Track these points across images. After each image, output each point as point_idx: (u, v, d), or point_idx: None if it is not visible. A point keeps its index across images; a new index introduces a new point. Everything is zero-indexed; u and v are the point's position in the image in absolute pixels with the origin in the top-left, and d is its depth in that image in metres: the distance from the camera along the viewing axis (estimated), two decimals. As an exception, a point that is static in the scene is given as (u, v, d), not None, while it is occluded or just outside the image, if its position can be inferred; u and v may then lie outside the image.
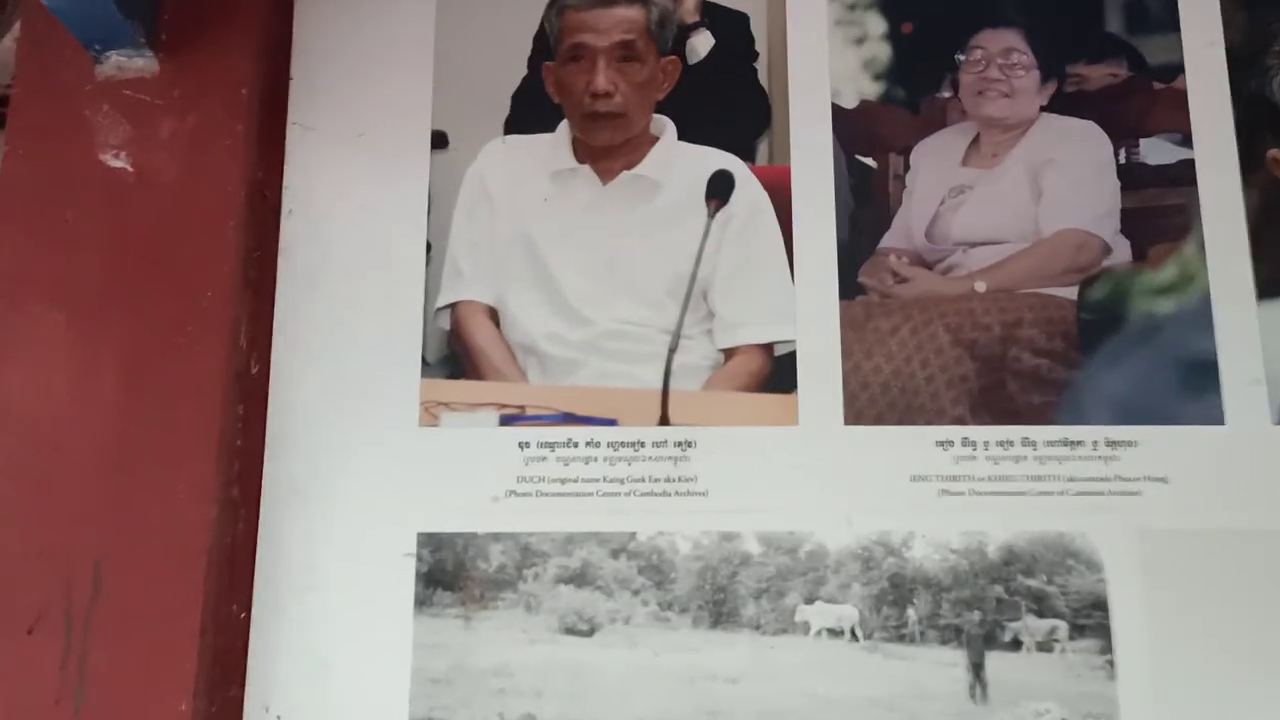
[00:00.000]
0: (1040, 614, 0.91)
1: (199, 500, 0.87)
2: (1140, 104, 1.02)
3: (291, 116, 0.99)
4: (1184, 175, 0.99)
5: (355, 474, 0.91)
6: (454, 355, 0.97)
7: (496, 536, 0.91)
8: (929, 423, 0.93)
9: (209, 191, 0.95)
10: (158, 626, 0.84)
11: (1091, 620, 0.90)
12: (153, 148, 0.94)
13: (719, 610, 0.91)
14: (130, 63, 0.97)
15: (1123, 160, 1.00)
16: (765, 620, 0.91)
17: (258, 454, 0.92)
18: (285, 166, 0.98)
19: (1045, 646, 0.90)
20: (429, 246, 0.98)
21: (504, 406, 0.94)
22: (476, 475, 0.91)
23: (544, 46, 1.02)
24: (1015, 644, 0.90)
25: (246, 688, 0.87)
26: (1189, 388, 0.95)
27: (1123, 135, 1.00)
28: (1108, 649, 0.89)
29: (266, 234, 0.97)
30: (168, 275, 0.92)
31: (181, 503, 0.87)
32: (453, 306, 0.97)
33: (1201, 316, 0.96)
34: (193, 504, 0.87)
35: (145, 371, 0.89)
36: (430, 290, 0.96)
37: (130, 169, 0.96)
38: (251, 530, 0.90)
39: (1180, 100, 1.00)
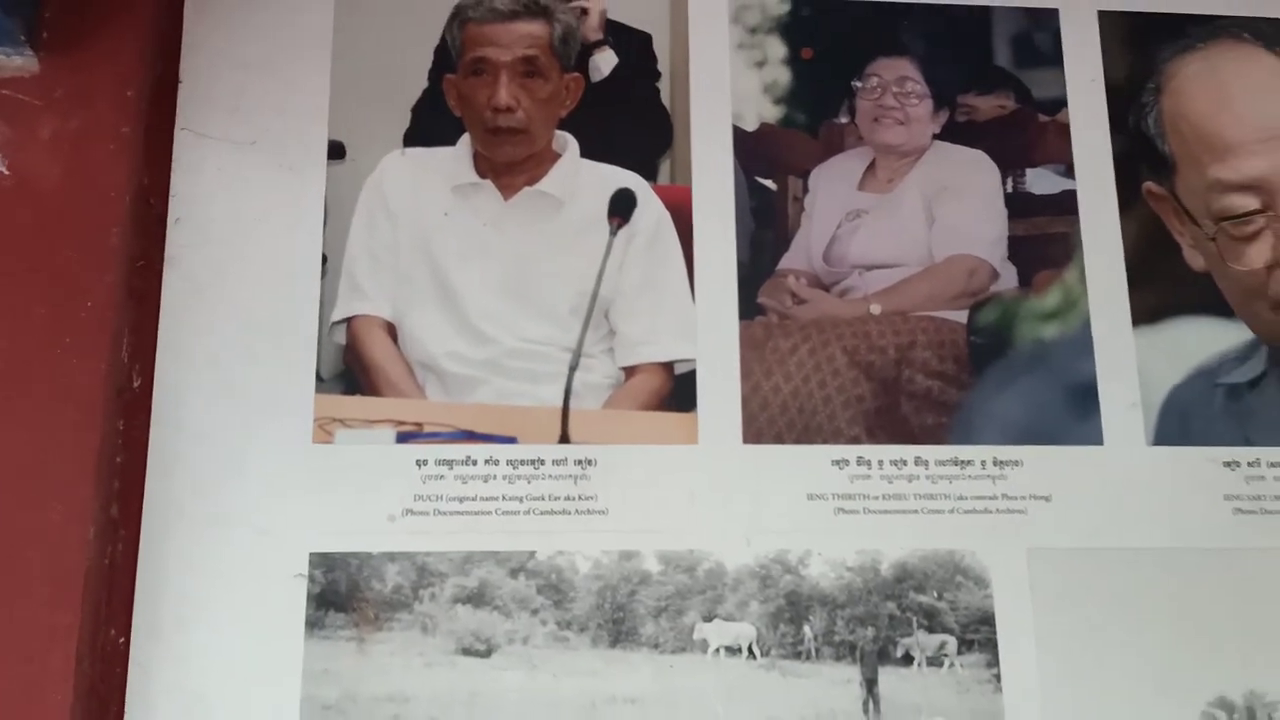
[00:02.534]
0: (931, 629, 0.94)
1: (76, 520, 0.84)
2: (1027, 135, 1.07)
3: (180, 121, 0.96)
4: (1067, 205, 1.04)
5: (244, 493, 0.89)
6: (349, 371, 0.96)
7: (392, 556, 0.89)
8: (826, 442, 0.96)
9: (91, 197, 0.92)
10: (31, 654, 0.81)
11: (979, 635, 0.94)
12: (32, 150, 0.90)
13: (618, 629, 0.91)
14: (9, 61, 0.93)
15: (1010, 189, 1.05)
16: (664, 639, 0.91)
17: (139, 472, 0.88)
18: (173, 173, 0.95)
19: (935, 661, 0.93)
20: (325, 259, 0.96)
21: (401, 423, 0.93)
22: (372, 493, 0.90)
23: (445, 59, 1.01)
24: (907, 659, 0.93)
25: (126, 717, 0.85)
26: (1072, 410, 1.00)
27: (1010, 165, 1.05)
28: (995, 662, 0.92)
29: (152, 243, 0.94)
30: (45, 283, 0.89)
31: (57, 523, 0.84)
32: (349, 321, 0.96)
33: (1083, 341, 1.01)
34: (69, 524, 0.84)
35: (20, 384, 0.85)
36: (326, 304, 0.94)
37: (7, 172, 0.92)
38: (132, 552, 0.87)
39: (1064, 133, 1.05)
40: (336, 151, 0.99)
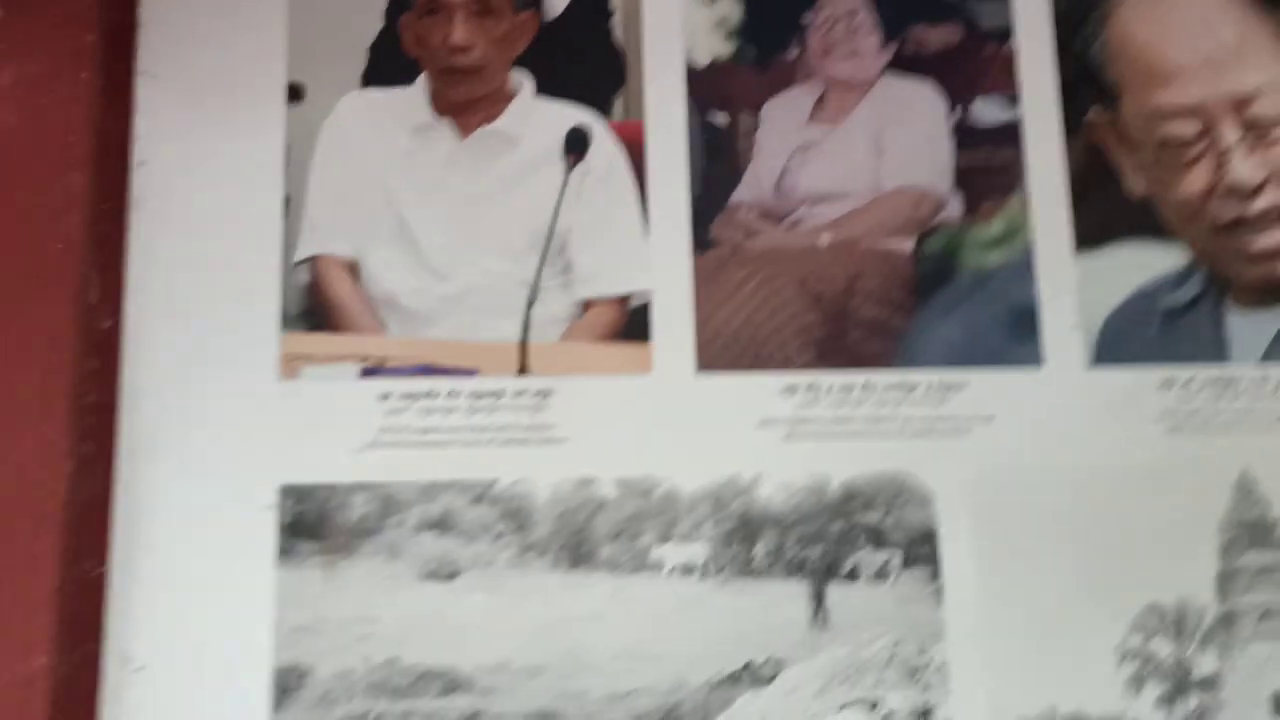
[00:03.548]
0: (877, 546, 0.97)
1: (52, 457, 0.86)
2: (974, 66, 1.07)
3: (140, 65, 0.97)
4: (1012, 134, 1.04)
5: (214, 428, 0.91)
6: (313, 309, 0.97)
7: (359, 487, 0.92)
8: (777, 370, 0.98)
9: (54, 142, 0.93)
10: (13, 585, 0.84)
11: (922, 551, 0.96)
12: (-9, 97, 0.92)
13: (577, 552, 0.94)
14: (-35, 10, 0.94)
15: (957, 119, 1.05)
16: (621, 560, 0.94)
17: (112, 410, 0.90)
18: (135, 117, 0.96)
19: (880, 576, 0.96)
20: (287, 200, 0.98)
21: (365, 359, 0.94)
22: (338, 427, 0.92)
23: (401, -1, 1.04)
24: (853, 575, 0.96)
25: (106, 641, 0.87)
26: (1014, 334, 1.02)
27: (958, 95, 1.05)
28: (936, 577, 0.96)
29: (116, 186, 0.95)
30: (11, 229, 0.90)
31: (34, 460, 0.86)
32: (311, 260, 0.97)
33: (1025, 267, 1.02)
34: (46, 461, 0.86)
35: (-10, 328, 0.88)
36: (289, 244, 0.96)
37: (-33, 120, 0.93)
38: (107, 486, 0.89)
39: (1010, 63, 1.05)
40: (295, 93, 0.99)
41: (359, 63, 1.00)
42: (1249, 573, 0.99)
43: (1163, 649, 0.95)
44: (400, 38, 1.01)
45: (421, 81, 1.01)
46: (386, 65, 1.00)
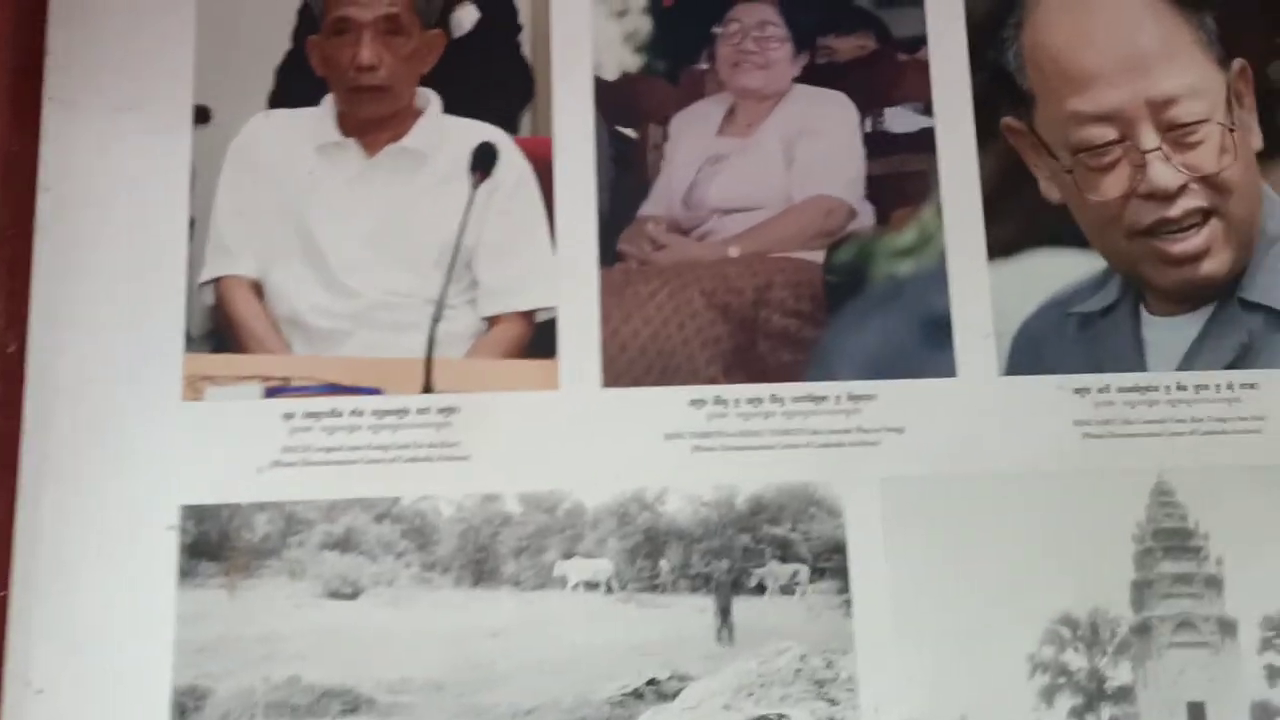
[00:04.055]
0: (784, 559, 0.96)
1: (-50, 481, 0.87)
2: (886, 75, 1.06)
3: (48, 91, 0.97)
4: (925, 142, 1.04)
5: (117, 451, 0.91)
6: (218, 330, 0.97)
7: (261, 506, 0.92)
8: (684, 383, 0.97)
9: (-40, 169, 0.94)
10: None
11: (831, 563, 0.96)
12: (-108, 123, 0.93)
13: (480, 569, 0.94)
14: None
15: (869, 129, 1.05)
16: (525, 576, 0.94)
17: (14, 434, 0.90)
18: (41, 142, 0.96)
19: (788, 589, 0.95)
20: (193, 222, 0.98)
21: (269, 379, 0.95)
22: (241, 447, 0.92)
23: (308, 20, 1.02)
24: (760, 588, 0.95)
25: (6, 664, 0.87)
26: (926, 343, 1.01)
27: (870, 105, 1.04)
28: (845, 589, 0.95)
29: (22, 210, 0.96)
30: (-90, 255, 0.91)
31: (-70, 484, 0.87)
32: (216, 281, 0.97)
33: (938, 276, 1.01)
34: (-57, 485, 0.87)
35: (-118, 354, 0.88)
36: (194, 265, 0.96)
37: None
38: (9, 509, 0.89)
39: (924, 71, 1.04)
40: (202, 116, 1.00)
41: (266, 84, 1.00)
42: (1165, 581, 0.97)
43: (1076, 660, 0.94)
44: (308, 59, 1.01)
45: (328, 101, 1.01)
46: (294, 86, 1.00)
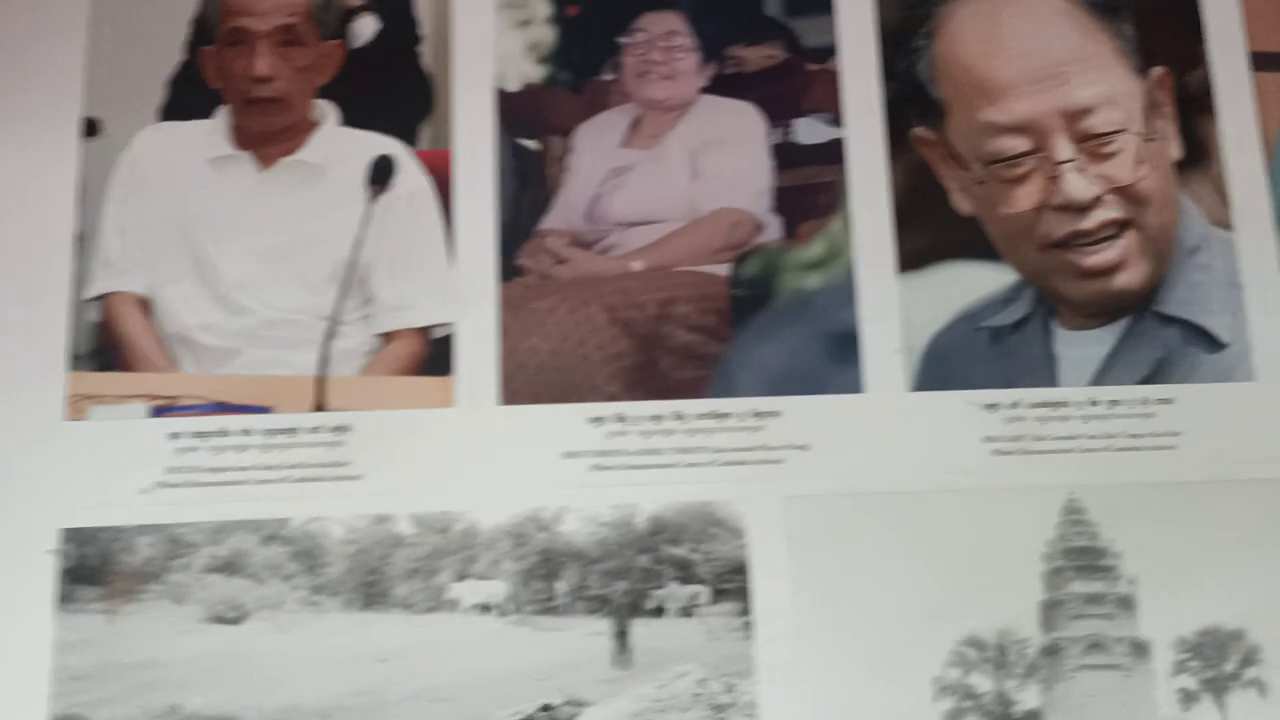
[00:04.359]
0: (684, 581, 0.93)
1: None
2: (795, 85, 1.04)
3: (-66, 104, 0.99)
4: (835, 153, 1.02)
5: (-4, 471, 0.93)
6: (104, 348, 0.95)
7: (144, 529, 0.90)
8: (583, 400, 0.95)
9: None
10: None
11: (732, 585, 0.93)
12: None
13: (371, 592, 0.92)
14: None
15: (777, 140, 1.03)
16: (416, 599, 0.92)
17: (-109, 454, 0.92)
18: (-74, 156, 0.98)
19: (687, 612, 0.93)
20: (81, 236, 0.96)
21: (155, 398, 0.93)
22: (125, 468, 0.90)
23: (203, 31, 1.00)
24: (659, 611, 0.93)
25: (-125, 693, 0.87)
26: (833, 359, 0.99)
27: (778, 115, 1.03)
28: (746, 611, 0.93)
29: (-95, 227, 0.96)
30: None
31: None
32: (103, 298, 0.96)
33: (846, 290, 0.99)
34: None
35: None
36: (80, 281, 0.94)
37: None
38: (-118, 533, 0.89)
39: (833, 81, 1.03)
40: (92, 128, 0.98)
41: (158, 96, 0.98)
42: (1075, 602, 0.95)
43: (983, 683, 0.91)
44: (201, 70, 1.00)
45: (222, 114, 0.99)
46: (187, 98, 0.99)
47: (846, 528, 0.93)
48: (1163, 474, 0.96)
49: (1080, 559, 0.94)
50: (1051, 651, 0.92)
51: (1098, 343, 0.98)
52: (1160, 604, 0.93)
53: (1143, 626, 0.93)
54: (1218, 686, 0.94)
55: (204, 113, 0.99)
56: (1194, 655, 0.93)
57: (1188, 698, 0.94)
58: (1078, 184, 0.97)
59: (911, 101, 1.02)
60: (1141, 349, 0.98)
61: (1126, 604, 0.94)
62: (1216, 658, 0.93)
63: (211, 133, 0.98)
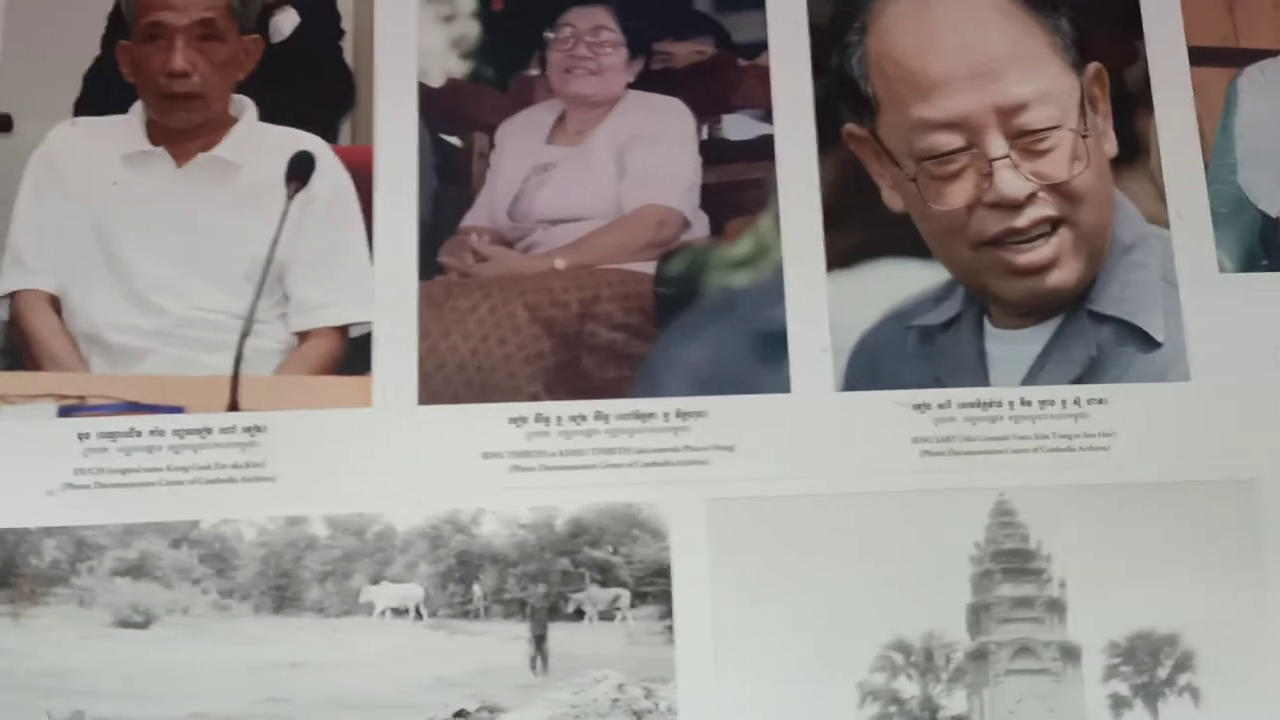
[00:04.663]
0: (604, 584, 0.93)
1: None
2: (725, 80, 1.04)
3: None
4: (764, 150, 1.01)
5: (-101, 473, 0.92)
6: (12, 347, 0.94)
7: (50, 531, 0.89)
8: (504, 400, 0.94)
9: None
10: None
11: (654, 588, 0.93)
12: None
13: (282, 596, 0.91)
14: None
15: (705, 136, 1.02)
16: (329, 603, 0.91)
17: None
18: None
19: (607, 615, 0.93)
20: (-9, 235, 0.98)
21: (63, 397, 0.92)
22: (31, 469, 0.89)
23: (119, 25, 1.00)
24: (578, 614, 0.93)
25: None
26: (760, 358, 0.98)
27: (707, 111, 1.02)
28: (668, 615, 0.91)
29: None
30: None
31: None
32: (11, 296, 0.94)
33: (774, 288, 0.99)
34: None
35: None
36: (-12, 280, 0.98)
37: None
38: None
39: (764, 77, 1.03)
40: (3, 124, 0.97)
41: (73, 91, 0.97)
42: (1004, 605, 0.94)
43: (909, 688, 0.91)
44: (118, 64, 0.98)
45: (137, 109, 0.99)
46: (102, 93, 0.98)
47: (772, 530, 0.93)
48: (1095, 476, 0.95)
49: (1010, 561, 0.94)
50: (979, 656, 0.91)
51: (1030, 342, 0.98)
52: (1091, 608, 0.93)
53: (1073, 631, 0.92)
54: (1150, 693, 0.94)
55: (120, 108, 0.98)
56: (1126, 660, 0.93)
57: (1119, 704, 0.93)
58: (1011, 181, 0.96)
59: (843, 98, 1.01)
60: (1074, 348, 0.98)
61: (1056, 607, 0.93)
62: (1149, 663, 0.92)
63: (127, 128, 0.97)
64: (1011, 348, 0.97)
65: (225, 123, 0.98)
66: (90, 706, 0.85)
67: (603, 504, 0.92)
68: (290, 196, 0.97)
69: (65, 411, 0.91)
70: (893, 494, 0.93)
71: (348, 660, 0.89)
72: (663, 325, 0.96)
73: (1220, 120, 1.05)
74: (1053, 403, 0.95)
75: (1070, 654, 0.92)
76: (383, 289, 0.95)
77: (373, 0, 1.00)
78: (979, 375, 0.96)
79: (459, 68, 1.01)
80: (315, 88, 0.99)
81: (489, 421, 0.93)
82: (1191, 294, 0.99)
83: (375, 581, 0.90)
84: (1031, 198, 0.97)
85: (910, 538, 0.93)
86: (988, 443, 0.94)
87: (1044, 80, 0.99)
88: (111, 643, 0.87)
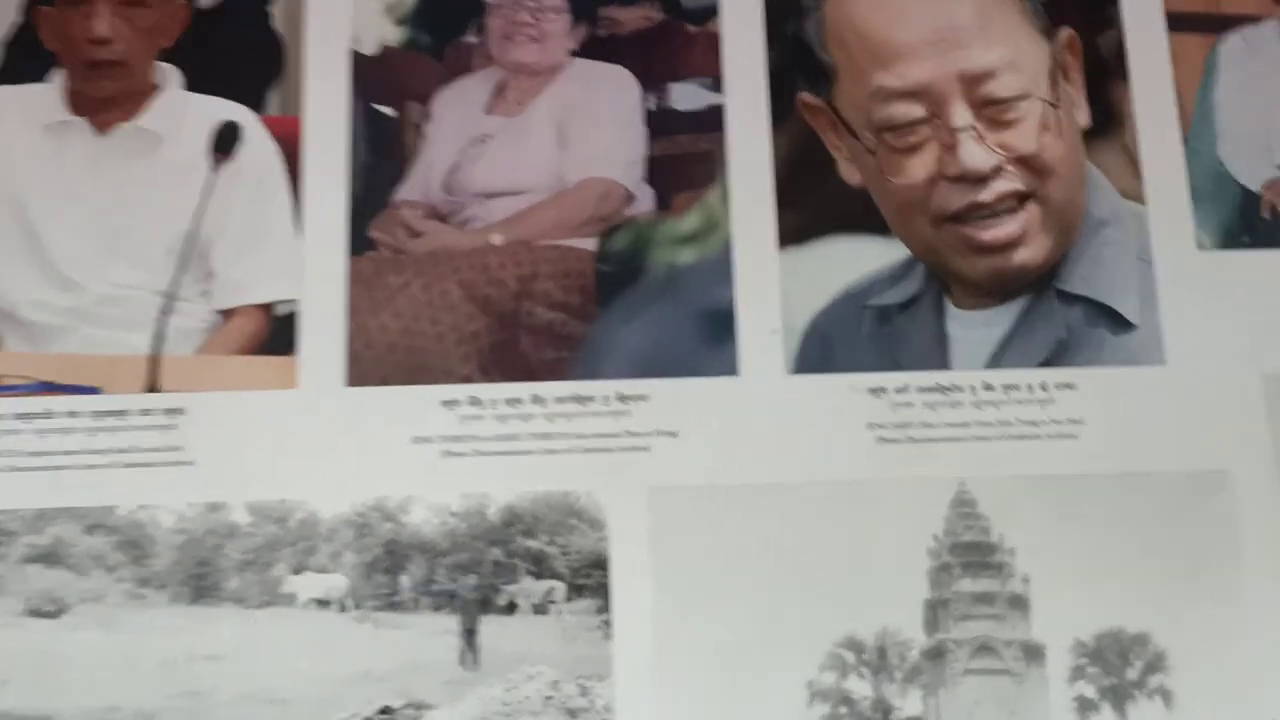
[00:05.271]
0: (539, 575, 0.92)
1: None
2: (673, 48, 1.03)
3: None
4: (714, 121, 1.00)
5: None
6: (-75, 326, 0.99)
7: (-43, 516, 0.91)
8: (436, 382, 0.93)
9: None
10: None
11: (591, 580, 0.91)
12: None
13: (201, 585, 0.90)
14: None
15: (652, 106, 1.01)
16: (250, 593, 0.90)
17: None
18: None
19: (541, 609, 0.91)
20: (-96, 208, 0.97)
21: (-25, 378, 0.94)
22: (-60, 452, 0.93)
23: (41, -10, 1.03)
24: (511, 607, 0.91)
25: None
26: (707, 339, 0.97)
27: (654, 80, 1.01)
28: (605, 609, 0.90)
29: None
30: None
31: None
32: (-77, 272, 0.99)
33: (722, 266, 0.97)
34: None
35: None
36: (-100, 255, 0.97)
37: None
38: None
39: (714, 44, 1.01)
40: (-82, 94, 0.99)
41: (-9, 58, 1.03)
42: (963, 601, 0.92)
43: (861, 687, 0.88)
44: (37, 31, 0.98)
45: (58, 77, 0.98)
46: (21, 61, 0.98)
47: (717, 521, 0.91)
48: (1062, 465, 0.93)
49: (969, 555, 0.91)
50: (936, 654, 0.89)
51: (994, 323, 0.95)
52: (1056, 605, 0.90)
53: (1036, 629, 0.89)
54: (1119, 695, 0.91)
55: (39, 76, 0.97)
56: (1093, 661, 0.90)
57: (1085, 706, 0.90)
58: (975, 153, 0.93)
59: (798, 66, 0.99)
60: (1041, 330, 0.95)
61: (1019, 604, 0.90)
62: (1118, 664, 0.90)
63: (46, 97, 0.97)
64: (974, 329, 0.95)
65: (148, 92, 0.98)
66: (-2, 698, 0.90)
67: (538, 492, 0.90)
68: (215, 169, 0.96)
69: (-24, 392, 0.95)
70: (846, 483, 0.91)
71: (268, 653, 0.87)
72: (604, 304, 0.95)
73: (1199, 90, 1.02)
74: (1018, 387, 0.93)
75: (1033, 653, 0.89)
76: (311, 265, 0.94)
77: (304, -36, 1.05)
78: (939, 358, 0.94)
79: (393, 34, 1.00)
80: (242, 55, 0.99)
81: (420, 404, 0.91)
82: (1168, 273, 0.96)
83: (298, 571, 0.89)
84: (997, 171, 0.94)
85: (864, 529, 0.91)
86: (948, 429, 0.92)
87: (1011, 47, 0.96)
88: (21, 632, 0.86)
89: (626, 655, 0.88)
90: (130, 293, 0.94)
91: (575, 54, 1.00)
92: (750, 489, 0.92)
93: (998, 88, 0.95)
